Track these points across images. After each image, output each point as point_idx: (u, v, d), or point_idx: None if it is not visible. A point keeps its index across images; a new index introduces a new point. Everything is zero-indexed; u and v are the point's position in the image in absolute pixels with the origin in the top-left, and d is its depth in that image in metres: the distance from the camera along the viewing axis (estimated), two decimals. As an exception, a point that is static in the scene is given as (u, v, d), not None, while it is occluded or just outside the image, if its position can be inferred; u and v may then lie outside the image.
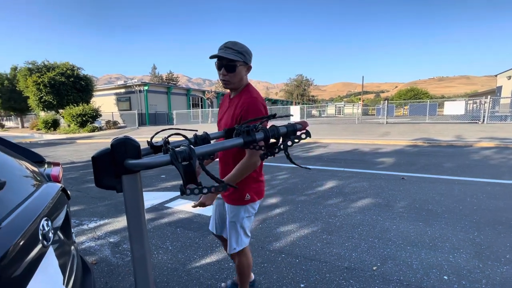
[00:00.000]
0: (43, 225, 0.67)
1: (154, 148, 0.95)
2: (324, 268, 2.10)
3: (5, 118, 40.77)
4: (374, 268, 2.08)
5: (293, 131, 0.92)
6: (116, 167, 0.74)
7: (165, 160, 0.72)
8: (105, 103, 23.40)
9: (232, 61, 1.25)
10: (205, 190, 0.81)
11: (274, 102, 48.97)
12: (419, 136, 9.85)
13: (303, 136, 0.90)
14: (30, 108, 22.06)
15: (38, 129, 20.89)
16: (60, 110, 19.50)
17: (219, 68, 1.30)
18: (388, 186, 4.17)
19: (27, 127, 26.18)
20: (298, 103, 53.51)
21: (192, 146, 0.75)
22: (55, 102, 18.55)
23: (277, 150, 0.90)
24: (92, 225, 3.07)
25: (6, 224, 0.57)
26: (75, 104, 18.52)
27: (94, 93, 21.54)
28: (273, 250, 2.40)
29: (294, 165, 5.32)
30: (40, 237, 0.65)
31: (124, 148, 0.75)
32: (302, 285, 1.91)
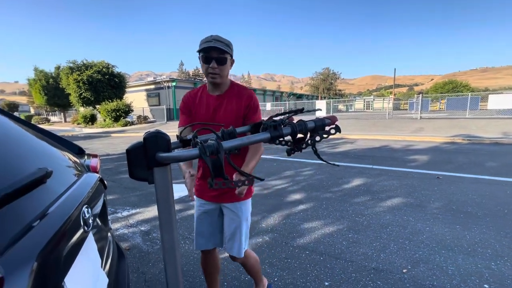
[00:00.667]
0: (84, 212, 0.72)
1: (183, 142, 0.98)
2: (350, 267, 2.04)
3: (50, 113, 44.73)
4: (404, 270, 1.98)
5: (321, 126, 0.89)
6: (147, 159, 0.77)
7: (194, 153, 0.74)
8: (136, 98, 24.68)
9: (224, 52, 1.20)
10: (232, 184, 0.82)
11: (299, 96, 48.15)
12: (458, 133, 9.11)
13: (332, 131, 0.87)
14: (71, 104, 23.95)
15: (78, 123, 22.65)
16: (97, 106, 20.93)
17: (207, 61, 1.21)
18: (421, 186, 3.92)
19: (69, 122, 28.48)
20: (324, 98, 52.07)
21: (219, 141, 0.76)
22: (92, 98, 19.96)
23: (304, 146, 0.88)
24: (125, 213, 3.27)
25: (52, 210, 0.62)
26: (110, 100, 19.76)
27: (126, 90, 22.81)
28: (297, 246, 2.39)
29: (320, 161, 5.17)
30: (82, 223, 0.70)
31: (155, 141, 0.78)
32: (326, 283, 1.87)
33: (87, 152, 1.31)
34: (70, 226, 0.63)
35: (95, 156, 1.30)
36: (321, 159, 0.97)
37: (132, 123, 20.03)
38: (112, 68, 21.00)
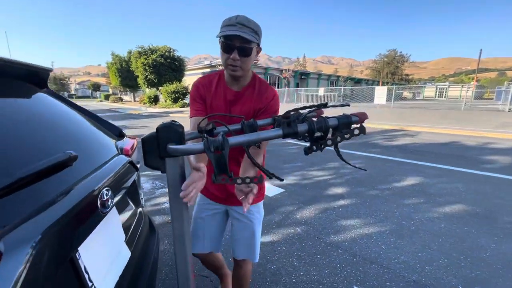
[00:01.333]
0: (102, 194, 0.79)
1: (203, 132, 0.97)
2: (385, 275, 1.87)
3: (123, 93, 51.16)
4: (453, 290, 1.72)
5: (346, 124, 0.77)
6: (159, 150, 0.79)
7: (198, 148, 0.73)
8: (193, 81, 26.30)
9: (249, 42, 0.98)
10: (239, 181, 0.79)
11: (358, 81, 44.55)
12: (561, 131, 7.27)
13: (356, 131, 0.75)
14: (138, 85, 26.84)
15: (144, 103, 25.38)
16: (159, 88, 23.02)
17: (228, 50, 1.00)
18: (495, 193, 3.29)
19: (137, 101, 32.13)
20: (387, 83, 47.08)
21: (225, 136, 0.73)
22: (156, 81, 22.01)
23: (322, 146, 0.78)
24: (166, 190, 3.58)
25: (69, 192, 0.69)
26: (170, 83, 21.46)
27: (185, 73, 24.40)
28: (329, 243, 2.28)
29: (370, 154, 4.85)
30: (99, 204, 0.76)
31: (167, 132, 0.79)
32: (355, 287, 1.76)
33: (138, 133, 1.43)
34: (83, 207, 0.70)
35: (133, 138, 1.41)
36: (345, 161, 0.86)
37: (188, 105, 21.52)
38: (173, 52, 22.61)
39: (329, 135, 0.81)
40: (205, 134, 0.74)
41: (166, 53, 21.93)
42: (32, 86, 1.12)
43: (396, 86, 19.48)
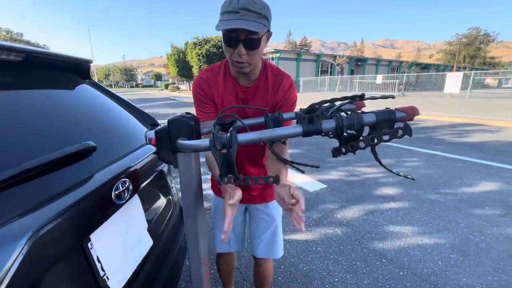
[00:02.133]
0: (118, 185, 0.79)
1: (221, 125, 0.90)
2: (439, 297, 1.59)
3: (180, 83, 55.15)
4: (534, 331, 1.36)
5: (388, 122, 0.60)
6: (171, 144, 0.75)
7: (204, 145, 0.66)
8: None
9: (255, 33, 0.79)
10: (251, 181, 0.69)
11: (425, 67, 39.23)
12: None
13: (400, 132, 0.58)
14: (193, 75, 28.48)
15: (198, 92, 26.93)
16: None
17: (232, 44, 0.82)
18: None
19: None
20: (464, 68, 40.22)
21: (235, 132, 0.64)
22: (209, 70, 23.09)
23: (353, 148, 0.63)
24: (208, 176, 3.70)
25: (88, 181, 0.70)
26: (223, 72, 22.22)
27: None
28: (372, 249, 2.05)
29: (433, 151, 4.25)
30: (113, 196, 0.76)
31: (178, 126, 0.74)
32: (399, 306, 1.54)
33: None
34: (95, 197, 0.70)
35: (166, 128, 1.44)
36: (386, 168, 0.69)
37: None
38: (225, 41, 23.25)
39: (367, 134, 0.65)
40: (213, 130, 0.66)
41: (219, 43, 22.64)
42: (76, 77, 1.20)
43: (475, 71, 16.43)
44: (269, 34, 0.87)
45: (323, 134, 0.62)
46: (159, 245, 1.09)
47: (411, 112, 0.62)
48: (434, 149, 4.79)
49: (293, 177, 3.52)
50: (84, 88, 1.18)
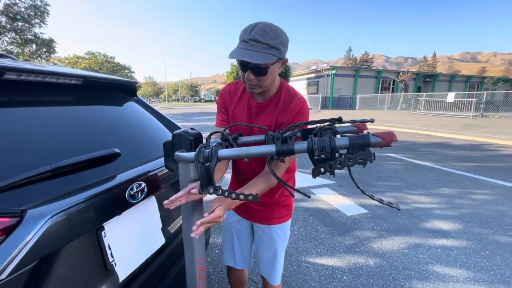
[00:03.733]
0: (133, 187, 0.94)
1: (225, 140, 0.98)
2: None
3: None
4: None
5: (360, 146, 0.60)
6: (173, 155, 0.86)
7: (190, 157, 0.75)
8: (298, 87, 26.78)
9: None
10: (233, 196, 0.75)
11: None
12: None
13: (361, 157, 0.56)
14: (250, 91, 29.82)
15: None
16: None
17: (242, 68, 0.91)
18: None
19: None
20: None
21: (216, 148, 0.71)
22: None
23: (330, 169, 0.63)
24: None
25: (110, 181, 0.87)
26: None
27: (290, 78, 25.21)
28: (408, 289, 1.81)
29: (506, 183, 3.70)
30: (127, 195, 0.91)
31: (178, 139, 0.86)
32: None
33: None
34: (110, 194, 0.85)
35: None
36: (361, 190, 0.66)
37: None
38: (282, 59, 23.87)
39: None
40: (201, 145, 0.75)
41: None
42: (125, 96, 1.46)
43: None
44: (282, 61, 0.94)
45: (293, 154, 0.65)
46: (171, 246, 1.21)
47: (388, 138, 0.60)
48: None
49: (333, 199, 3.36)
50: (130, 105, 1.42)
